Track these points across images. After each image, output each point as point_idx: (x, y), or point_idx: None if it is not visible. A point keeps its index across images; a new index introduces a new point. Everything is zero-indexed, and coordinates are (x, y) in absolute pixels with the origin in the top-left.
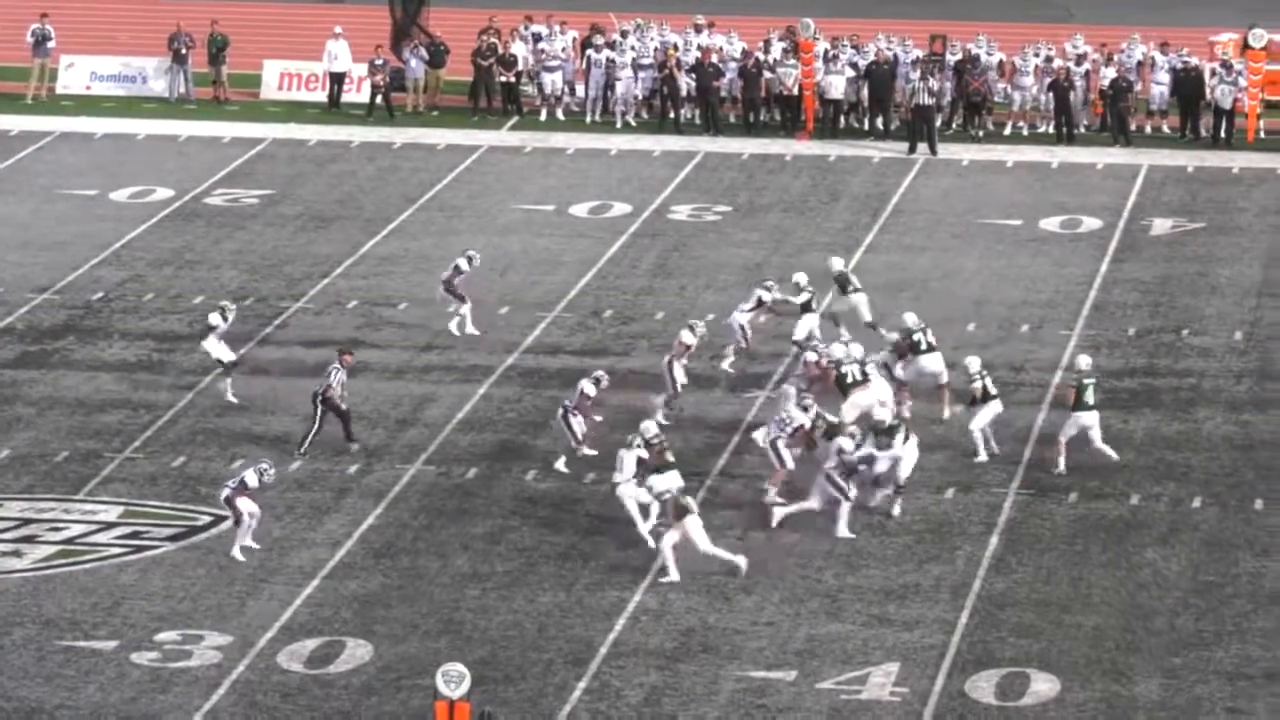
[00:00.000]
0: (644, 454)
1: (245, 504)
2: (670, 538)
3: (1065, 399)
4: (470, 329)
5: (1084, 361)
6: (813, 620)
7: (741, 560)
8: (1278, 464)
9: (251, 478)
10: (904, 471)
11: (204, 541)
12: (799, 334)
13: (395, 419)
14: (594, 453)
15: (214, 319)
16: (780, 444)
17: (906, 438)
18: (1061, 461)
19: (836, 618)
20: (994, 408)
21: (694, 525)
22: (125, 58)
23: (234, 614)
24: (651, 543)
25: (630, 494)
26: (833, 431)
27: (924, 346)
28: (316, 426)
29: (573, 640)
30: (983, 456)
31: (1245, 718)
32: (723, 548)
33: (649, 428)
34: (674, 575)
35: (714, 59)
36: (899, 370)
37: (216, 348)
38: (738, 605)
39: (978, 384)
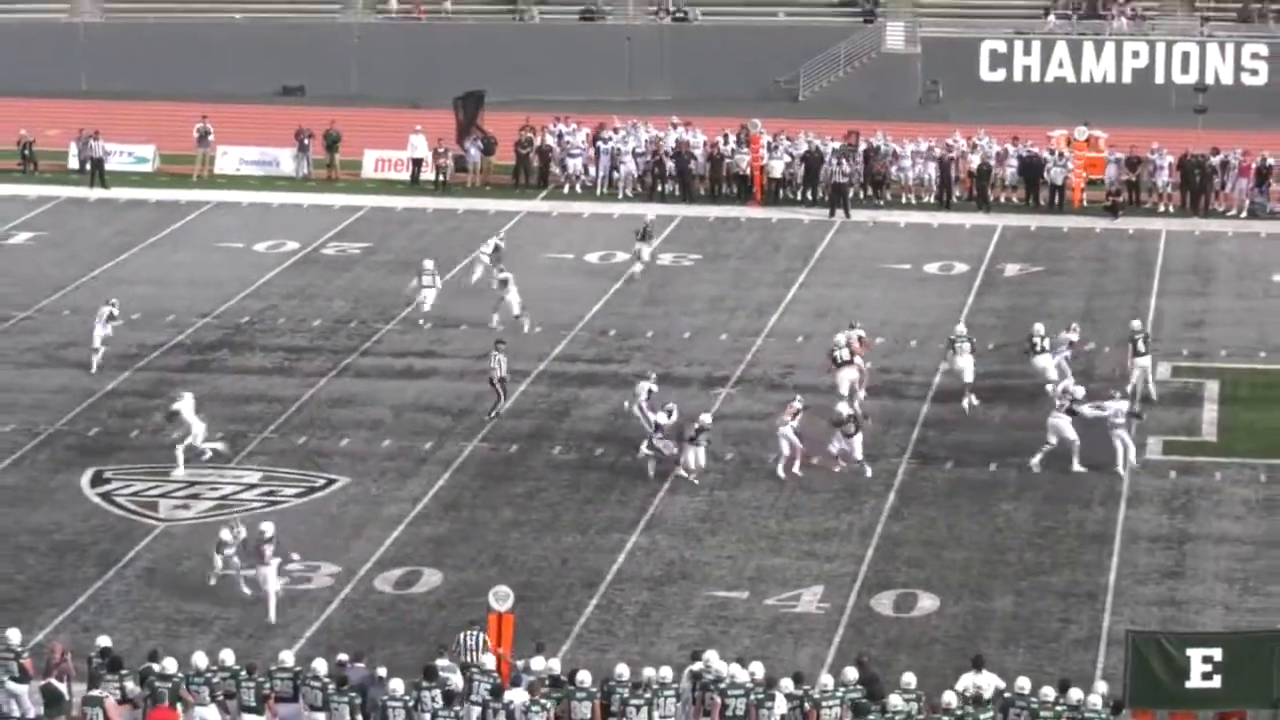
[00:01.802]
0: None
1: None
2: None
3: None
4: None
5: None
6: (760, 554)
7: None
8: (1096, 440)
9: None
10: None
11: (320, 498)
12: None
13: (458, 409)
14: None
15: (113, 311)
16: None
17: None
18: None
19: (778, 553)
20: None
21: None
22: (264, 147)
23: (342, 550)
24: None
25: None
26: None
27: (961, 352)
28: (501, 398)
29: (587, 570)
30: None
31: (1072, 625)
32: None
33: (267, 529)
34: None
35: (689, 148)
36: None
37: (102, 331)
38: (706, 544)
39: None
